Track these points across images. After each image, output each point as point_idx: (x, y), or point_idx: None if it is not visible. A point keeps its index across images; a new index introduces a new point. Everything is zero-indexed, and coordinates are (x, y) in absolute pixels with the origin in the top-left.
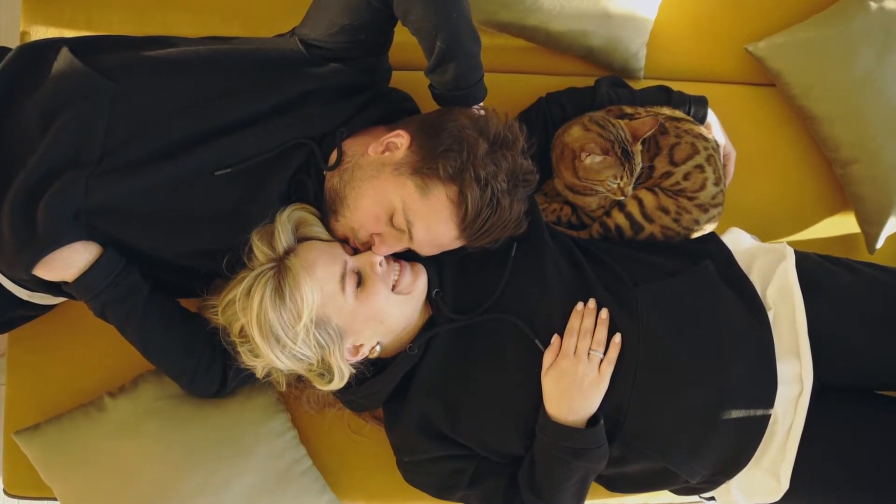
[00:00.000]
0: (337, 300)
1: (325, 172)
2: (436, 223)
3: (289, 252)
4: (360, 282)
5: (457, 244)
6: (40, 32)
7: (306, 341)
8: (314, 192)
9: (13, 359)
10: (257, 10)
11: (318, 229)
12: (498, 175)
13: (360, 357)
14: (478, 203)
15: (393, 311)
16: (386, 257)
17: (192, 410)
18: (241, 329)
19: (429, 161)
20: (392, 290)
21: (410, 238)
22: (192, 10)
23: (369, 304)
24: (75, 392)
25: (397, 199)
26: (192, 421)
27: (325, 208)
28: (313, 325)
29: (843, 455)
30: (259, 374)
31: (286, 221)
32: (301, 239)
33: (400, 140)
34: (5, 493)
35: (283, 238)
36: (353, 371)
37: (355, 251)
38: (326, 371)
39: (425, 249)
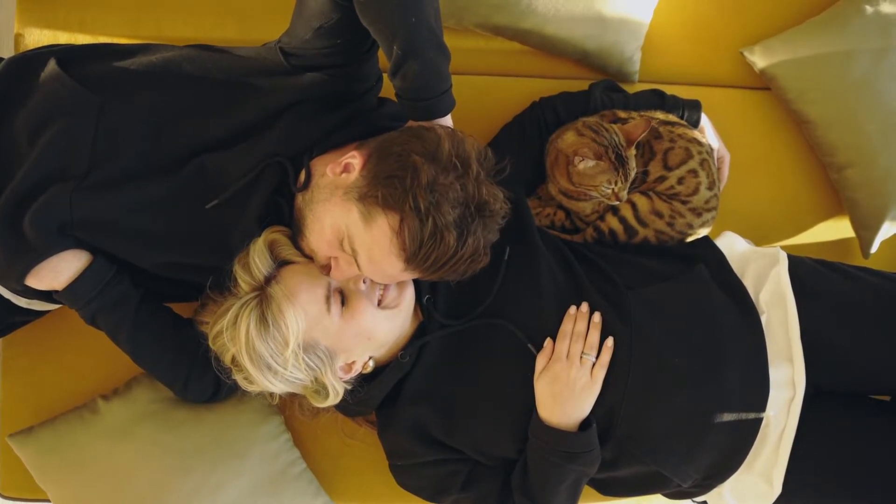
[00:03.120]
0: (323, 322)
1: (295, 193)
2: (378, 254)
3: (270, 279)
4: (344, 301)
5: (408, 276)
6: (34, 34)
7: (297, 366)
8: (288, 211)
9: (7, 362)
10: (251, 11)
11: (294, 250)
12: (441, 206)
13: (353, 374)
14: (417, 235)
15: (381, 326)
16: None
17: (186, 413)
18: (234, 358)
19: (373, 186)
20: (378, 305)
21: (358, 266)
22: (186, 12)
23: (355, 322)
24: (69, 395)
25: (343, 226)
26: (186, 424)
27: (294, 229)
28: (301, 349)
29: (836, 460)
30: (254, 392)
31: (262, 248)
32: (282, 263)
33: (355, 161)
34: (1, 495)
35: (261, 266)
36: (348, 387)
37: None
38: (322, 388)
39: (377, 278)
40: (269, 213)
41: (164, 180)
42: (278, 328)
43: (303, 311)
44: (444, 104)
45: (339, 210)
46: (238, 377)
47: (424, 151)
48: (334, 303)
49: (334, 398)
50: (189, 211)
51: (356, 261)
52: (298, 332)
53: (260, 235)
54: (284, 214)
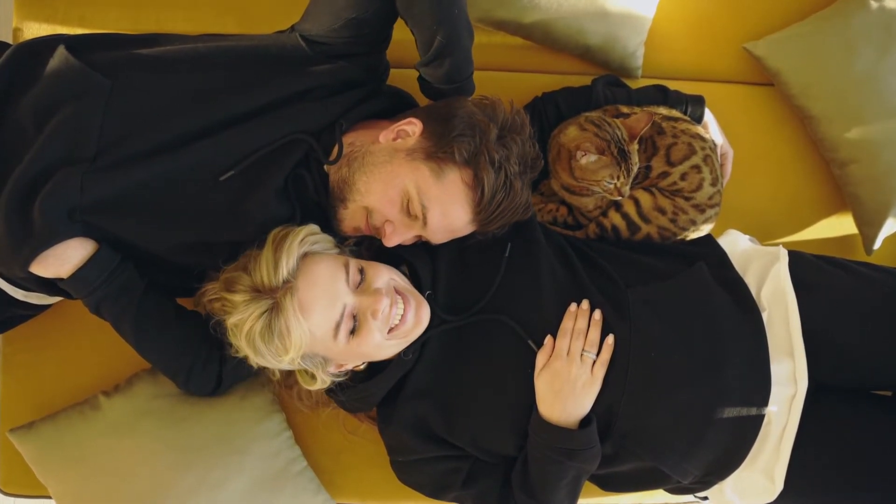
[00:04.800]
0: (327, 343)
1: (326, 167)
2: (451, 207)
3: (287, 283)
4: (355, 326)
5: (469, 229)
6: (33, 29)
7: (292, 365)
8: (314, 186)
9: (7, 357)
10: (252, 6)
11: (324, 246)
12: (510, 158)
13: (343, 370)
14: (493, 186)
15: (384, 352)
16: (392, 298)
17: (187, 410)
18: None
19: (443, 146)
20: (388, 332)
21: (424, 224)
22: (187, 7)
23: (360, 348)
24: (70, 390)
25: (412, 185)
26: (188, 420)
27: (331, 201)
28: (300, 356)
29: (838, 455)
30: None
31: (295, 249)
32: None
33: (412, 127)
34: (1, 491)
35: (285, 268)
36: (338, 380)
37: (361, 273)
38: (312, 376)
39: (438, 236)
40: (289, 186)
41: (176, 158)
42: (282, 341)
43: (310, 332)
44: (470, 86)
45: (406, 170)
46: (234, 347)
47: (485, 113)
48: (343, 329)
49: (321, 385)
50: (202, 185)
51: (424, 217)
52: (301, 347)
53: (301, 232)
54: (308, 186)
